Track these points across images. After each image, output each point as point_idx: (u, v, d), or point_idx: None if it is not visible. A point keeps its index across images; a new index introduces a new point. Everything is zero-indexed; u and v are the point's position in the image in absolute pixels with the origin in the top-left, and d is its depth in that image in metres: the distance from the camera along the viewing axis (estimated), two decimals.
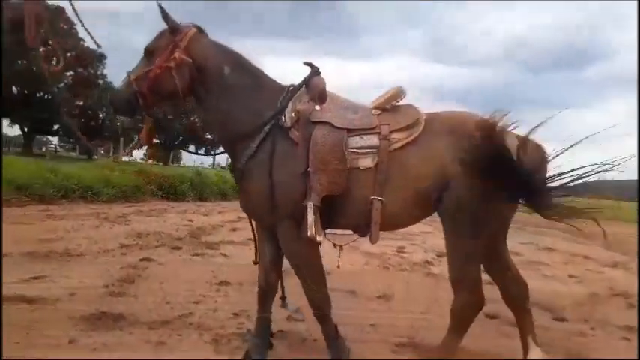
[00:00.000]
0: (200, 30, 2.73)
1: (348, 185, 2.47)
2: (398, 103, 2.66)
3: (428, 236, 10.06)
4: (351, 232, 2.69)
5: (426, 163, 2.50)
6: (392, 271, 6.04)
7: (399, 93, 2.65)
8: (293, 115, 2.56)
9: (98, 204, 11.57)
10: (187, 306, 3.83)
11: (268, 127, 2.57)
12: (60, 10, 27.43)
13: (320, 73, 2.69)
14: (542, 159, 2.49)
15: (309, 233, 2.40)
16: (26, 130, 38.12)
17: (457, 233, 2.54)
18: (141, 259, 5.43)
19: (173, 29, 2.63)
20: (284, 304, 3.06)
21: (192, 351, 2.95)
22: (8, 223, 7.63)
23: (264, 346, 2.85)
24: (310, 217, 2.40)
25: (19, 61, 26.59)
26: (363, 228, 2.58)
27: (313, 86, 2.61)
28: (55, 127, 38.97)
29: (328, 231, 2.64)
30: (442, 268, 6.30)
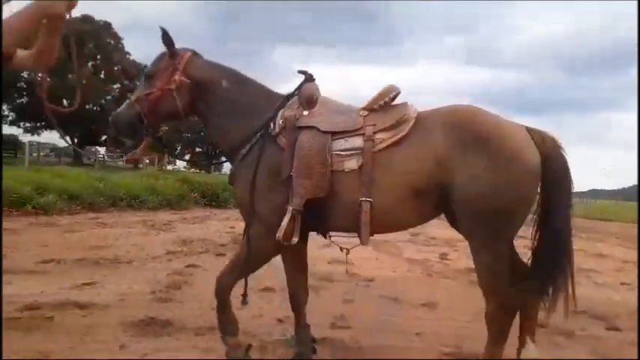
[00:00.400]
0: (195, 53, 2.87)
1: (332, 188, 2.47)
2: (394, 103, 2.61)
3: None
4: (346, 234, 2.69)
5: (416, 161, 2.42)
6: (435, 279, 5.93)
7: (387, 92, 2.60)
8: (281, 121, 2.61)
9: (144, 211, 11.94)
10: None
11: (259, 133, 2.65)
12: (107, 26, 28.60)
13: (314, 79, 2.75)
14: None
15: (277, 236, 2.47)
16: (76, 140, 39.82)
17: (478, 236, 2.45)
18: (186, 266, 5.55)
19: (172, 54, 2.76)
20: (245, 302, 3.06)
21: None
22: (61, 231, 7.98)
23: (308, 353, 2.87)
24: (285, 220, 2.46)
25: (69, 75, 27.84)
26: (354, 230, 2.55)
27: (302, 93, 2.67)
28: (103, 137, 40.54)
29: (333, 234, 2.70)
30: None
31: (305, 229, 2.58)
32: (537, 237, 2.53)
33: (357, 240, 2.62)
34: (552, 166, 2.41)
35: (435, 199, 2.45)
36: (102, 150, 47.30)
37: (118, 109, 2.79)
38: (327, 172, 2.46)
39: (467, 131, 2.38)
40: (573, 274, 2.51)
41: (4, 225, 8.01)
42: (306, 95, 2.64)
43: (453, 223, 2.66)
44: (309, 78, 2.75)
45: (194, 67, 2.78)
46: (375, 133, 2.49)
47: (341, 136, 2.53)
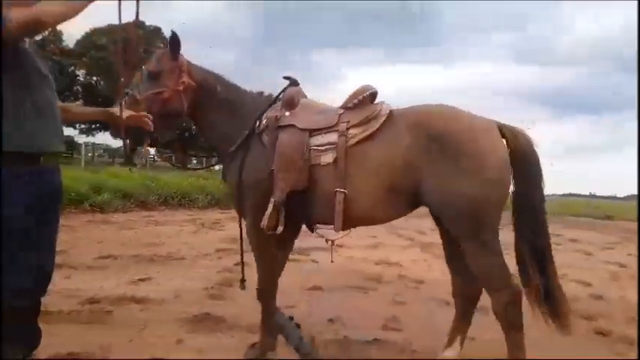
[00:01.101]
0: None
1: (312, 181, 2.64)
2: (375, 102, 2.75)
3: None
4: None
5: (385, 157, 2.55)
6: None
7: (361, 91, 2.74)
8: (264, 121, 2.79)
9: (195, 210, 12.24)
10: (283, 310, 3.89)
11: (246, 132, 2.81)
12: (157, 31, 29.54)
13: (297, 84, 2.94)
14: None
15: (262, 224, 2.63)
16: (128, 141, 41.26)
17: (459, 233, 2.55)
18: (236, 264, 5.63)
19: (175, 56, 2.82)
20: (243, 287, 3.12)
21: (292, 355, 2.98)
22: (117, 228, 8.29)
23: (295, 333, 3.04)
24: (268, 211, 2.62)
25: (122, 79, 28.87)
26: (332, 221, 2.67)
27: (285, 95, 2.85)
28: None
29: (321, 227, 2.84)
30: None
31: (292, 223, 2.73)
32: (515, 231, 2.68)
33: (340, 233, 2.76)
34: (524, 162, 2.54)
35: (405, 195, 2.57)
36: (152, 150, 49.01)
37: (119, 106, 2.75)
38: (305, 167, 2.64)
39: (434, 130, 2.48)
40: (554, 269, 2.66)
41: (64, 222, 8.40)
42: (288, 97, 2.83)
43: (442, 230, 2.85)
44: (293, 82, 2.94)
45: (195, 71, 2.90)
46: (348, 129, 2.64)
47: (318, 133, 2.70)
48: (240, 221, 3.00)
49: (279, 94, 2.91)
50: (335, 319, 3.70)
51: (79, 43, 31.43)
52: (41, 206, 2.01)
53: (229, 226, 9.47)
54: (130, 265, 5.35)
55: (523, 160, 2.56)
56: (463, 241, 2.56)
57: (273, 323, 2.97)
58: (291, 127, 2.73)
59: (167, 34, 2.83)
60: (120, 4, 2.29)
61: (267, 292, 2.95)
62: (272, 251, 2.91)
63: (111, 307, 3.69)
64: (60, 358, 2.70)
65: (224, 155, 2.94)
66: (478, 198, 2.43)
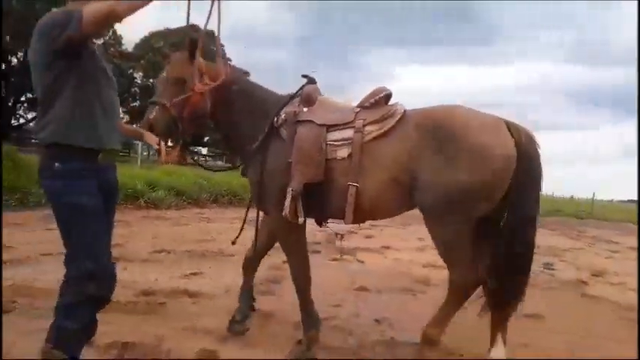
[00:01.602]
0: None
1: (327, 175, 2.77)
2: (390, 103, 2.90)
3: (579, 253, 9.15)
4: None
5: (395, 152, 2.71)
6: (540, 289, 5.55)
7: (378, 92, 2.90)
8: (283, 116, 2.91)
9: (243, 208, 12.46)
10: (329, 309, 3.92)
11: (267, 128, 2.93)
12: (211, 34, 30.36)
13: (315, 82, 3.06)
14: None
15: (283, 213, 2.75)
16: (181, 142, 42.57)
17: (437, 220, 2.72)
18: (283, 261, 5.70)
19: (193, 59, 2.85)
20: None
21: (338, 354, 3.00)
22: (170, 224, 8.57)
23: (246, 310, 3.35)
24: (287, 200, 2.75)
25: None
26: (343, 214, 2.81)
27: (303, 92, 2.97)
28: (205, 139, 43.02)
29: (330, 221, 3.02)
30: (600, 289, 5.67)
31: (305, 214, 2.83)
32: (504, 223, 2.74)
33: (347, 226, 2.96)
34: (525, 160, 2.64)
35: (408, 189, 2.72)
36: (204, 150, 50.29)
37: (152, 114, 2.78)
38: (322, 160, 2.77)
39: (437, 128, 2.66)
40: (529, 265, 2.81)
41: (119, 217, 8.76)
42: (306, 94, 2.95)
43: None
44: (310, 80, 3.06)
45: (214, 71, 2.96)
46: (364, 126, 2.80)
47: (335, 129, 2.84)
48: (257, 215, 3.11)
49: (297, 92, 3.03)
50: (382, 320, 3.69)
51: (137, 46, 32.68)
52: (100, 201, 2.13)
53: None
54: (182, 259, 5.53)
55: (525, 158, 2.65)
56: (438, 222, 2.72)
57: (313, 313, 3.08)
58: (309, 123, 2.86)
59: (221, 36, 2.91)
60: (189, 5, 2.41)
61: (302, 282, 3.11)
62: (302, 242, 3.06)
63: (165, 299, 3.84)
64: (116, 346, 2.82)
65: (245, 153, 3.03)
66: (467, 194, 2.57)
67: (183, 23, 2.62)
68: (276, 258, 5.87)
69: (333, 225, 3.06)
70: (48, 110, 2.04)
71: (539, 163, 2.74)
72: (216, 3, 2.56)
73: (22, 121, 27.39)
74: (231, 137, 3.16)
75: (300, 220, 2.79)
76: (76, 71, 2.04)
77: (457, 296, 2.84)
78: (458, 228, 2.68)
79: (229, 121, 3.07)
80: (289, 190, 2.76)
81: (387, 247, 7.26)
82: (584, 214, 24.74)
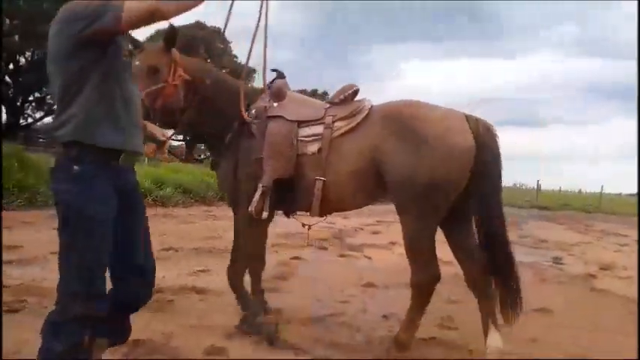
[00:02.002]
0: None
1: (297, 170, 2.84)
2: (356, 99, 2.97)
3: (587, 247, 9.11)
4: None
5: (361, 146, 2.78)
6: (549, 284, 5.54)
7: (347, 88, 2.97)
8: (253, 111, 2.95)
9: None
10: (336, 305, 3.93)
11: (236, 123, 2.96)
12: (217, 31, 30.35)
13: (284, 77, 3.09)
14: None
15: (250, 209, 2.81)
16: (188, 139, 42.71)
17: (404, 212, 2.78)
18: (291, 258, 5.73)
19: (169, 50, 2.80)
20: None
21: (346, 350, 3.00)
22: (178, 222, 8.61)
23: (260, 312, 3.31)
24: (256, 196, 2.82)
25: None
26: (310, 208, 2.91)
27: (272, 87, 2.99)
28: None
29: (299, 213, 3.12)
30: (609, 282, 5.64)
31: (272, 209, 2.93)
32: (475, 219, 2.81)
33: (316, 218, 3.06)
34: (484, 151, 2.70)
35: (375, 180, 2.80)
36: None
37: None
38: (292, 156, 2.84)
39: (399, 121, 2.74)
40: (513, 260, 2.80)
41: None
42: (275, 89, 2.97)
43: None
44: (280, 75, 3.10)
45: (188, 63, 2.92)
46: (333, 122, 2.87)
47: (306, 125, 2.91)
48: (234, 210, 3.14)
49: (267, 86, 3.05)
50: (389, 315, 3.69)
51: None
52: (114, 209, 1.95)
53: (282, 221, 9.60)
54: (190, 257, 5.55)
55: (484, 149, 2.71)
56: (405, 214, 2.77)
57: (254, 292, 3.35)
58: (280, 118, 2.91)
59: (227, 34, 2.92)
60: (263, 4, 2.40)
61: (232, 276, 3.28)
62: (262, 239, 3.28)
63: (172, 296, 3.85)
64: (124, 344, 2.83)
65: (216, 148, 3.07)
66: (433, 180, 2.63)
67: (188, 22, 2.61)
68: (283, 255, 5.91)
69: (300, 217, 3.16)
70: (68, 106, 1.86)
71: (499, 154, 2.80)
72: (264, 3, 2.54)
73: (29, 120, 27.53)
74: (202, 132, 3.18)
75: (265, 215, 2.85)
76: (100, 66, 1.87)
77: (419, 297, 2.88)
78: (423, 223, 2.73)
79: (200, 116, 3.04)
80: (260, 185, 2.82)
81: (394, 243, 7.24)
82: (591, 207, 24.59)
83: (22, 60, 24.42)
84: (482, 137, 2.72)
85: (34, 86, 24.87)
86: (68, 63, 1.85)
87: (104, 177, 1.91)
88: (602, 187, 29.77)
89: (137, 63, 2.76)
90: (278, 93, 2.98)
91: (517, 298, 2.77)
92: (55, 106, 1.93)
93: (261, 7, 2.56)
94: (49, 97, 26.06)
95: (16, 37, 21.92)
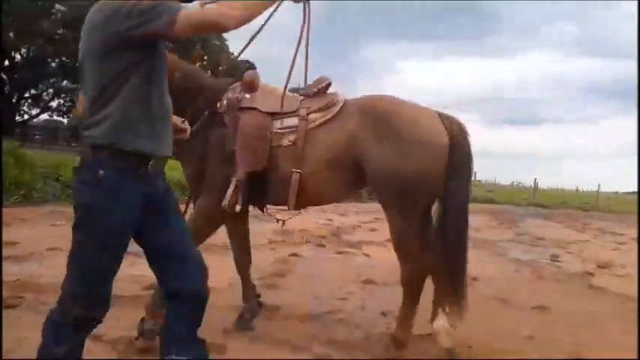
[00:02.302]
0: None
1: (271, 162, 2.81)
2: (328, 91, 2.95)
3: (585, 245, 9.14)
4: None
5: (337, 138, 2.78)
6: (546, 282, 5.56)
7: (320, 81, 2.96)
8: (225, 102, 2.92)
9: None
10: (335, 303, 3.93)
11: (206, 113, 2.92)
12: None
13: (255, 68, 3.15)
14: None
15: (223, 203, 2.76)
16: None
17: (388, 207, 2.80)
18: (289, 255, 5.72)
19: None
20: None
21: (344, 347, 3.00)
22: None
23: (255, 309, 3.34)
24: (230, 190, 2.77)
25: None
26: (286, 201, 2.88)
27: (244, 78, 2.87)
28: None
29: (270, 208, 3.06)
30: (606, 280, 5.66)
31: (246, 202, 2.88)
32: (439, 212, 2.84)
33: (289, 212, 3.02)
34: (456, 149, 2.74)
35: (353, 173, 2.80)
36: None
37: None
38: (266, 148, 2.81)
39: (377, 116, 2.75)
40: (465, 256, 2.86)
41: None
42: (248, 80, 2.84)
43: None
44: (251, 66, 3.12)
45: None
46: (308, 114, 2.86)
47: (280, 117, 2.88)
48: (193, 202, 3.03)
49: (238, 78, 2.98)
50: (387, 312, 3.68)
51: None
52: (136, 219, 1.87)
53: (280, 217, 9.60)
54: None
55: (457, 148, 2.76)
56: (389, 210, 2.80)
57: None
58: (253, 110, 2.88)
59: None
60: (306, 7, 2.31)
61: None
62: (209, 234, 3.08)
63: None
64: (124, 341, 2.83)
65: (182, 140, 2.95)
66: (410, 177, 2.65)
67: None
68: (281, 252, 5.91)
69: (274, 211, 3.13)
70: (103, 107, 1.76)
71: (470, 152, 2.85)
72: (307, 4, 2.40)
73: (25, 117, 27.44)
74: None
75: (238, 209, 2.80)
76: (141, 67, 1.79)
77: (410, 293, 2.88)
78: (406, 219, 2.75)
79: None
80: (233, 179, 2.78)
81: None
82: (589, 206, 24.69)
83: (18, 57, 24.35)
84: (455, 136, 2.77)
85: (29, 83, 24.78)
86: (108, 62, 1.75)
87: (131, 184, 1.81)
88: (599, 185, 29.87)
89: None
90: (250, 84, 2.85)
91: (463, 293, 2.84)
92: (88, 105, 1.80)
93: (305, 8, 2.36)
94: (44, 94, 26.05)
95: (11, 34, 21.82)
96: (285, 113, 2.89)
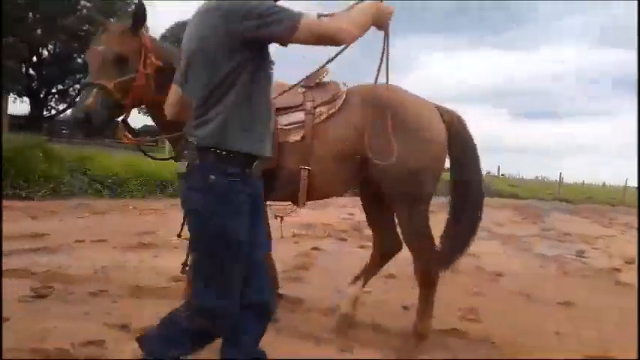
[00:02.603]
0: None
1: (279, 159, 2.68)
2: (324, 80, 2.87)
3: (611, 240, 8.95)
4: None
5: (342, 131, 2.73)
6: (572, 277, 5.46)
7: (321, 71, 2.80)
8: None
9: None
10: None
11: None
12: None
13: None
14: None
15: None
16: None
17: (395, 200, 2.82)
18: (312, 248, 5.74)
19: (137, 33, 2.50)
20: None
21: (366, 341, 3.00)
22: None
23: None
24: None
25: None
26: (293, 197, 2.83)
27: None
28: None
29: (268, 203, 2.87)
30: (634, 276, 5.53)
31: None
32: (452, 197, 2.95)
33: (288, 208, 3.05)
34: (459, 142, 2.81)
35: (358, 166, 2.76)
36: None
37: (90, 99, 2.33)
38: (275, 145, 2.63)
39: (380, 106, 2.63)
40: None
41: (149, 206, 8.95)
42: None
43: (364, 196, 3.21)
44: None
45: (157, 47, 2.61)
46: (314, 107, 2.77)
47: (285, 112, 2.76)
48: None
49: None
50: (410, 307, 3.67)
51: (163, 37, 33.09)
52: (249, 220, 1.86)
53: (302, 212, 9.62)
54: None
55: (458, 141, 2.82)
56: (397, 205, 2.81)
57: None
58: None
59: None
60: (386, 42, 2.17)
61: None
62: None
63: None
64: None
65: (179, 138, 2.59)
66: (417, 169, 2.67)
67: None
68: (303, 245, 5.93)
69: (274, 207, 3.07)
70: (212, 107, 1.74)
71: (470, 137, 2.90)
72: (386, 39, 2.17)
73: (53, 112, 28.03)
74: (169, 124, 2.67)
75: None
76: (252, 67, 1.76)
77: (427, 285, 2.88)
78: (414, 210, 2.75)
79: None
80: None
81: None
82: (615, 201, 24.15)
83: (45, 53, 24.85)
84: (455, 127, 2.83)
85: (57, 79, 25.28)
86: (221, 61, 1.72)
87: (240, 187, 1.79)
88: (626, 180, 29.15)
89: (100, 48, 2.41)
90: None
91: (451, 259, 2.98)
92: (196, 105, 1.78)
93: (384, 42, 2.18)
94: (70, 89, 26.54)
95: (39, 31, 22.27)
96: (291, 107, 2.78)
